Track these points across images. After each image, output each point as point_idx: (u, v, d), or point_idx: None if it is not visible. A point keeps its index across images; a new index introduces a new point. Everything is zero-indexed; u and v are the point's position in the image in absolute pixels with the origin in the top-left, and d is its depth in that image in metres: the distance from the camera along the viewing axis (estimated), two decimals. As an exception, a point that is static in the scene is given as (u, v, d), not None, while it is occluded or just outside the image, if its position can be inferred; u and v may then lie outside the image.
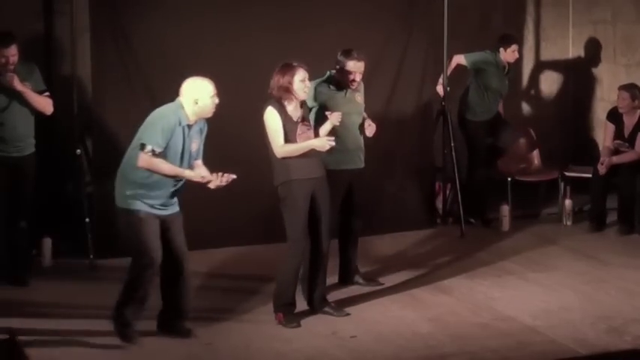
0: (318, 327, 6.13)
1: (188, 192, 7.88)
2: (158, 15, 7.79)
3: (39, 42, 7.89)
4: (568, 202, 8.97)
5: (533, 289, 7.01)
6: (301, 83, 6.12)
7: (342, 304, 6.52)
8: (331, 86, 6.72)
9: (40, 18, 7.91)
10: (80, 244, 7.53)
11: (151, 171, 5.58)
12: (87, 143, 7.78)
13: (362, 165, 6.85)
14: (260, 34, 7.98)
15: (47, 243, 7.55)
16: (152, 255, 5.60)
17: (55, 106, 7.17)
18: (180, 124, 5.61)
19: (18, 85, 6.79)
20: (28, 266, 7.19)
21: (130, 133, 7.78)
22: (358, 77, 6.71)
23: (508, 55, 8.77)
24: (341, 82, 6.72)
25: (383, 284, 7.00)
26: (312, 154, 6.14)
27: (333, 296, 6.63)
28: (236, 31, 7.98)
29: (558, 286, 7.07)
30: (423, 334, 6.04)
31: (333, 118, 6.36)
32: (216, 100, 5.73)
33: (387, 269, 7.45)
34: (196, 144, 5.75)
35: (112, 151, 7.83)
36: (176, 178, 5.66)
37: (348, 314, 6.38)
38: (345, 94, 6.75)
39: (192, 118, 5.67)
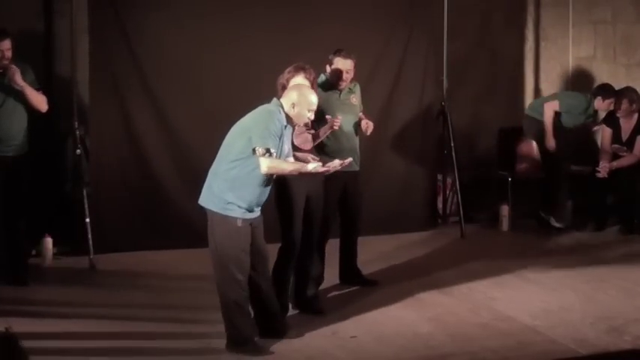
0: (318, 327, 6.13)
1: (188, 192, 7.96)
2: (158, 15, 7.81)
3: (39, 42, 7.89)
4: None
5: (533, 289, 7.01)
6: None
7: (342, 304, 6.53)
8: (325, 88, 6.65)
9: (40, 18, 7.91)
10: (80, 244, 7.52)
11: (273, 173, 5.56)
12: (87, 143, 7.78)
13: (357, 168, 6.77)
14: (260, 35, 7.98)
15: (47, 243, 7.56)
16: (245, 263, 5.60)
17: (54, 105, 7.16)
18: (281, 122, 5.62)
19: (19, 79, 6.77)
20: (27, 266, 7.18)
21: (130, 133, 7.88)
22: (346, 75, 6.66)
23: (604, 105, 8.73)
24: (333, 82, 6.70)
25: (377, 282, 7.00)
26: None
27: (333, 296, 6.64)
28: (235, 32, 7.99)
29: (558, 286, 7.07)
30: (423, 334, 6.04)
31: (334, 123, 6.33)
32: (312, 116, 5.75)
33: (387, 269, 7.46)
34: (288, 144, 5.73)
35: (112, 152, 7.86)
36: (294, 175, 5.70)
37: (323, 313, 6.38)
38: (340, 95, 6.73)
39: (286, 118, 5.67)
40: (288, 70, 6.12)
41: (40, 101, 6.98)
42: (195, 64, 7.93)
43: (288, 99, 5.66)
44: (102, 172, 7.84)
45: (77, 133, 7.64)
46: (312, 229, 6.32)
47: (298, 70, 6.09)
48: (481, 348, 5.79)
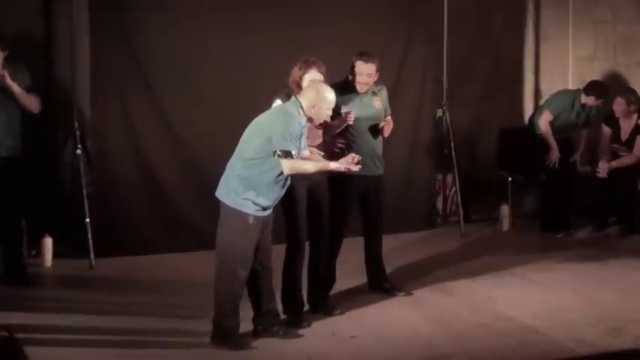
0: (318, 327, 6.13)
1: (190, 193, 7.96)
2: (158, 16, 7.80)
3: (39, 42, 7.89)
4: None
5: (533, 289, 7.01)
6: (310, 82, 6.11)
7: (342, 304, 6.53)
8: (347, 90, 6.55)
9: (40, 18, 7.90)
10: (80, 244, 7.52)
11: (297, 173, 5.65)
12: (87, 143, 7.78)
13: (378, 172, 6.69)
14: (260, 35, 7.98)
15: (47, 243, 7.55)
16: (248, 259, 5.68)
17: (55, 106, 7.15)
18: (301, 124, 5.68)
19: (9, 81, 6.77)
20: (27, 266, 7.18)
21: (131, 133, 7.88)
22: (365, 79, 6.54)
23: (595, 104, 8.66)
24: (355, 85, 6.59)
25: (412, 294, 6.85)
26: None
27: (332, 296, 6.62)
28: (236, 32, 7.98)
29: (558, 286, 7.07)
30: (423, 334, 6.04)
31: (348, 118, 6.32)
32: (330, 113, 5.79)
33: (387, 269, 7.44)
34: (304, 139, 5.78)
35: (112, 151, 7.86)
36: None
37: (342, 313, 6.38)
38: (361, 98, 6.59)
39: (306, 117, 5.73)
40: (298, 65, 6.08)
41: (30, 103, 6.96)
42: (195, 63, 7.92)
43: (307, 99, 5.70)
44: (102, 172, 7.84)
45: (77, 133, 7.63)
46: (318, 223, 6.31)
47: (310, 64, 6.06)
48: (481, 348, 5.79)
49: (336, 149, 6.15)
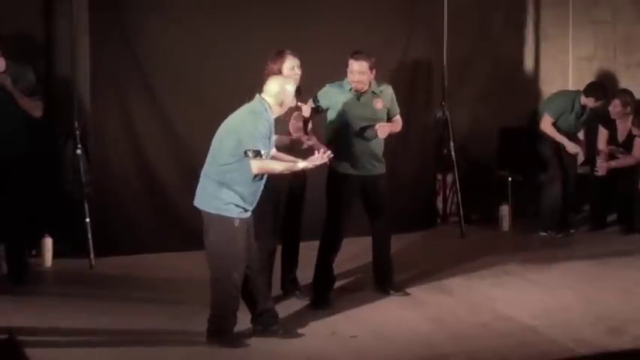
0: (318, 327, 6.14)
1: (189, 193, 7.96)
2: (158, 16, 7.81)
3: (39, 42, 7.89)
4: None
5: (533, 289, 7.01)
6: (290, 71, 6.23)
7: (342, 304, 6.54)
8: (345, 88, 6.57)
9: (40, 18, 7.91)
10: (80, 244, 7.52)
11: (265, 173, 5.67)
12: (87, 143, 7.78)
13: (376, 172, 6.65)
14: (259, 34, 7.98)
15: (47, 243, 7.56)
16: (241, 261, 5.69)
17: (55, 106, 7.13)
18: (269, 121, 5.71)
19: (9, 86, 6.76)
20: (27, 266, 7.18)
21: (130, 134, 7.88)
22: (358, 77, 6.50)
23: (594, 105, 8.64)
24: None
25: (410, 294, 6.87)
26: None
27: (332, 296, 6.64)
28: (236, 31, 7.99)
29: (558, 286, 7.07)
30: (422, 334, 6.04)
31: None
32: (290, 102, 5.89)
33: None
34: (273, 136, 5.82)
35: (112, 151, 7.87)
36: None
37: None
38: (359, 98, 6.58)
39: (275, 115, 5.77)
40: (272, 60, 6.34)
41: (32, 107, 6.94)
42: (195, 63, 7.92)
43: (274, 96, 5.71)
44: (102, 172, 7.84)
45: (77, 133, 7.63)
46: (296, 223, 6.53)
47: (283, 55, 6.34)
48: (481, 348, 5.79)
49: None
